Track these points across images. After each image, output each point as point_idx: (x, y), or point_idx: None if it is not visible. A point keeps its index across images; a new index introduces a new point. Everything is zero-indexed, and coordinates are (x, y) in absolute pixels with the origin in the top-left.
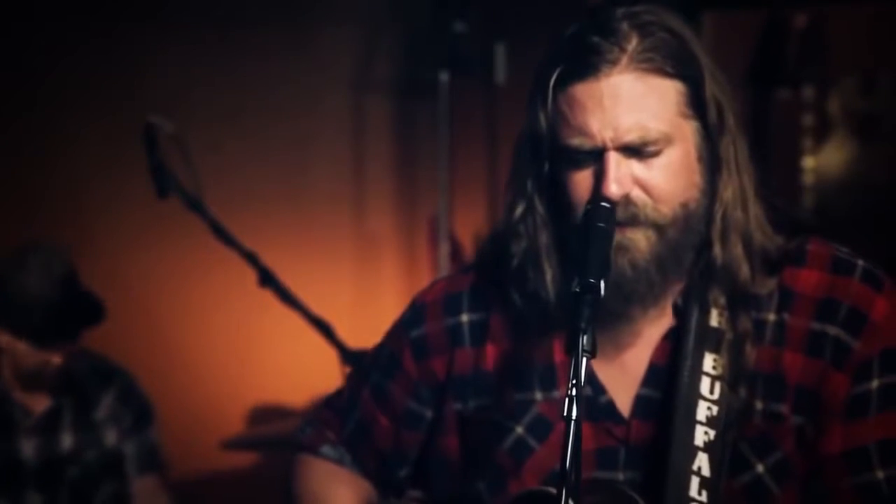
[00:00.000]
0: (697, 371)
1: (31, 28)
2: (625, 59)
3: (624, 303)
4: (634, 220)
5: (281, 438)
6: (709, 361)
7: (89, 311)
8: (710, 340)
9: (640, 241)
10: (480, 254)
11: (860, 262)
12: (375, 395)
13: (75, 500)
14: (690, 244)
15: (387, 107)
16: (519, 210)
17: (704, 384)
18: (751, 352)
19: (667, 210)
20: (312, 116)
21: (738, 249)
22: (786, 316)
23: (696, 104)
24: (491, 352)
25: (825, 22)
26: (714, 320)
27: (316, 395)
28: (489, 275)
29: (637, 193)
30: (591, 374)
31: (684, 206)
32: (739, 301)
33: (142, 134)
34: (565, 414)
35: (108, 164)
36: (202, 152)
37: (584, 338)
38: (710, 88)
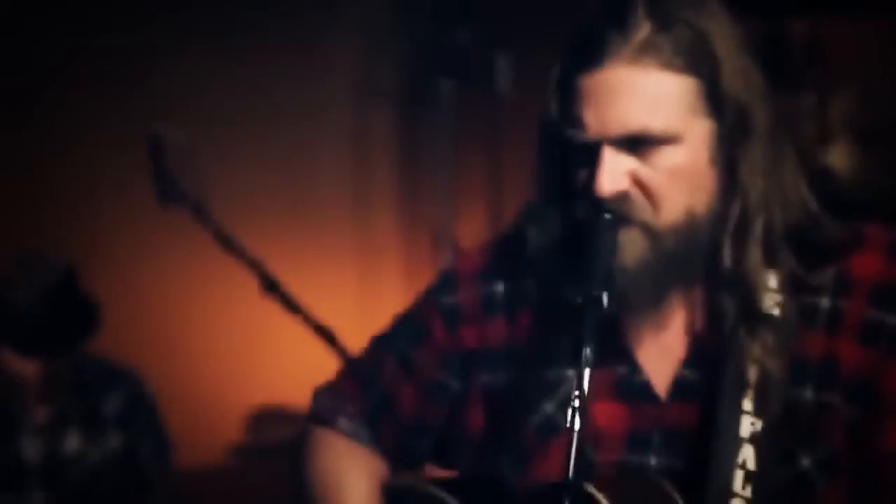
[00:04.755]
0: (744, 357)
1: (36, 33)
2: (630, 52)
3: (616, 306)
4: (627, 218)
5: (284, 444)
6: (756, 347)
7: (77, 321)
8: (758, 323)
9: (627, 244)
10: (516, 219)
11: None
12: (402, 364)
13: (80, 502)
14: (695, 252)
15: (389, 115)
16: (535, 198)
17: (751, 371)
18: (794, 335)
19: (666, 217)
20: (315, 125)
21: (756, 255)
22: (840, 302)
23: (715, 103)
24: (524, 323)
25: (825, 31)
26: (764, 302)
27: None
28: (521, 243)
29: (635, 192)
30: (628, 352)
31: (689, 211)
32: (791, 285)
33: (145, 142)
34: (568, 424)
35: (113, 170)
36: (205, 159)
37: (587, 350)
38: (732, 87)
